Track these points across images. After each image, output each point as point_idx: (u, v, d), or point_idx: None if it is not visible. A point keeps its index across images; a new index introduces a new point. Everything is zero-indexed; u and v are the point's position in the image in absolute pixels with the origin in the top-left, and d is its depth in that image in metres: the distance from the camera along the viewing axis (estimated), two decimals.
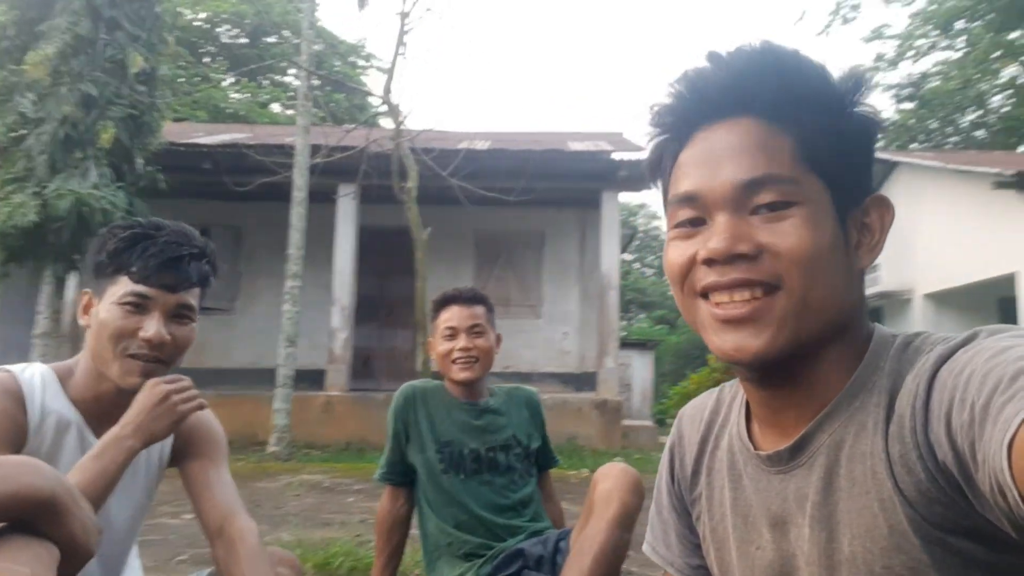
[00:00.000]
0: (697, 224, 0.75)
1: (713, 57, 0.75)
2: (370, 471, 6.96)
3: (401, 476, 2.15)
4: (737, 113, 0.73)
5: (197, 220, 10.55)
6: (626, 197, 10.66)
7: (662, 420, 17.29)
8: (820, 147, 0.71)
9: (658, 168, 0.82)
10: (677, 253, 0.76)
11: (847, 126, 0.73)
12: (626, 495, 1.74)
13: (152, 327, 1.27)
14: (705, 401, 0.95)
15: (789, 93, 0.72)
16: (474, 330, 2.12)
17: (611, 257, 9.82)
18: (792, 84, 0.72)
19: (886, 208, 0.76)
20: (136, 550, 1.50)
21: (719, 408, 0.92)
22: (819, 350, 0.72)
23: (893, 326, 7.66)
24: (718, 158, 0.73)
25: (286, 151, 8.76)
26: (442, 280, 11.34)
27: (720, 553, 0.86)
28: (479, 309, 2.16)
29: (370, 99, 23.86)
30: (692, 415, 0.96)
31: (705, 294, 0.73)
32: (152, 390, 1.25)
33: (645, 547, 1.01)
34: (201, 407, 1.33)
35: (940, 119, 21.01)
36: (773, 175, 0.70)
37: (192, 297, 1.33)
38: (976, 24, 19.47)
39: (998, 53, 18.80)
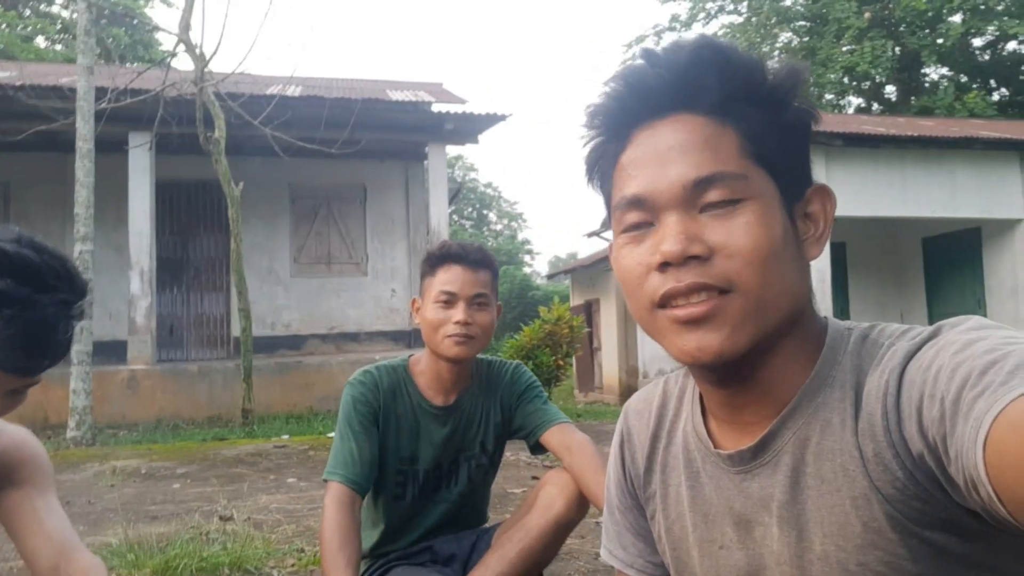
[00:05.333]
0: (644, 227, 0.73)
1: (649, 55, 0.73)
2: (191, 450, 6.37)
3: (368, 482, 1.70)
4: (679, 110, 0.72)
5: None
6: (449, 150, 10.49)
7: None
8: (765, 141, 0.71)
9: (595, 170, 0.80)
10: (634, 261, 0.73)
11: (787, 119, 0.73)
12: (571, 504, 1.67)
13: None
14: (651, 394, 0.93)
15: (731, 88, 0.71)
16: (477, 300, 1.76)
17: (440, 211, 9.72)
18: (734, 79, 0.71)
19: (828, 197, 0.75)
20: None
21: (667, 401, 0.89)
22: (775, 345, 0.72)
23: None
24: (664, 158, 0.71)
25: (64, 94, 7.65)
26: (256, 237, 10.62)
27: (677, 552, 0.84)
28: (486, 275, 1.79)
29: (159, 36, 21.62)
30: (639, 409, 0.93)
31: (663, 303, 0.70)
32: None
33: (602, 551, 0.97)
34: None
35: None
36: (722, 172, 0.69)
37: None
38: None
39: (774, 19, 20.67)
